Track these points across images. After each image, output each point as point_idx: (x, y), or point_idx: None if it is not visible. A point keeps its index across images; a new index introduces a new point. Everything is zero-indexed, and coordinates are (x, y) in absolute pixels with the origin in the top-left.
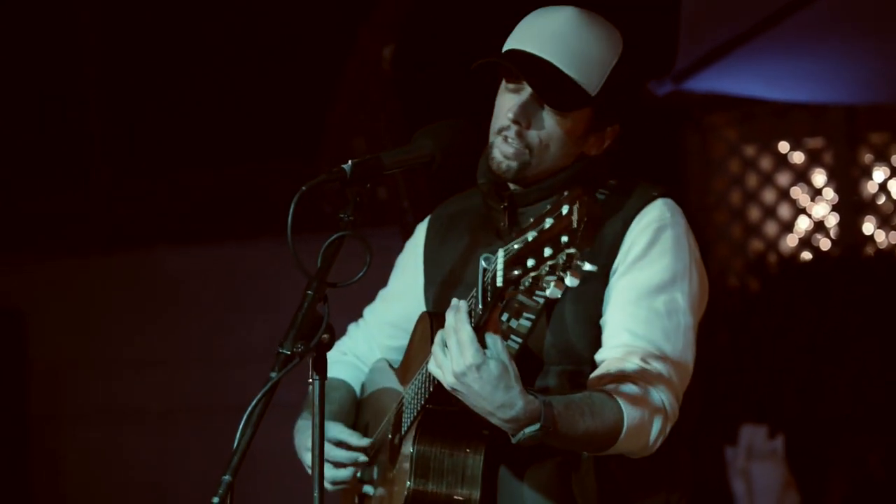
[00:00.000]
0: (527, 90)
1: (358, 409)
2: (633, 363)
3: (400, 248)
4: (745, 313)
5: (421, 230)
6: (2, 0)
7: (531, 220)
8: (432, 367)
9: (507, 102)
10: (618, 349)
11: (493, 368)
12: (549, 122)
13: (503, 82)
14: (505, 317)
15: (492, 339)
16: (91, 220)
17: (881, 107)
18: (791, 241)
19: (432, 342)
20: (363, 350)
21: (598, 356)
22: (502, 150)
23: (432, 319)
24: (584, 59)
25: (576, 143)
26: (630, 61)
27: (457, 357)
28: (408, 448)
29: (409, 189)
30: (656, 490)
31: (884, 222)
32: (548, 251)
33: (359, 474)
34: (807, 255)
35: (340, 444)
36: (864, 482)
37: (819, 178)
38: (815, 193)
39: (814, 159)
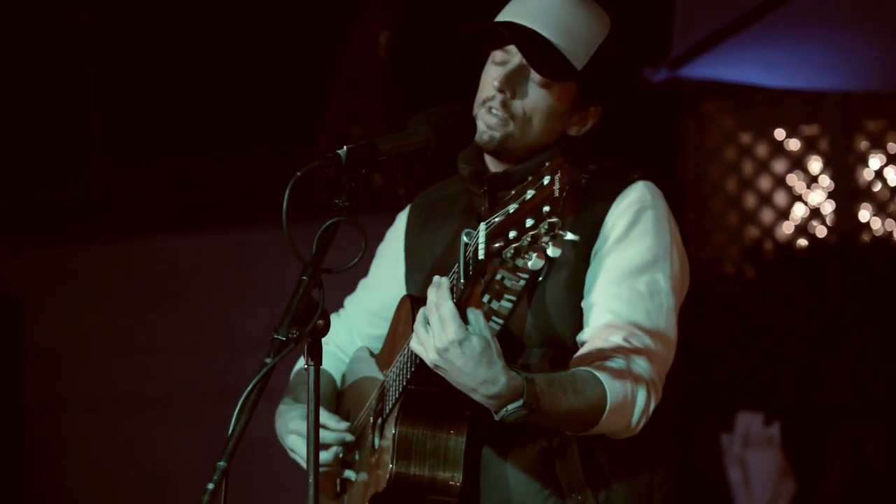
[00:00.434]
0: (514, 61)
1: (339, 399)
2: (615, 342)
3: None
4: (742, 300)
5: (401, 218)
6: None
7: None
8: (414, 344)
9: (494, 73)
10: (600, 330)
11: (476, 344)
12: (534, 93)
13: (490, 57)
14: (486, 298)
15: (474, 315)
16: (88, 208)
17: (877, 94)
18: (787, 228)
19: (414, 324)
20: (344, 339)
21: (580, 337)
22: (486, 121)
23: (413, 302)
24: (571, 33)
25: (559, 119)
26: (616, 43)
27: (439, 333)
28: (390, 430)
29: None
30: (640, 474)
31: (880, 209)
32: (529, 221)
33: (341, 454)
34: (803, 243)
35: (323, 427)
36: (860, 470)
37: (815, 165)
38: (812, 181)
39: (810, 146)
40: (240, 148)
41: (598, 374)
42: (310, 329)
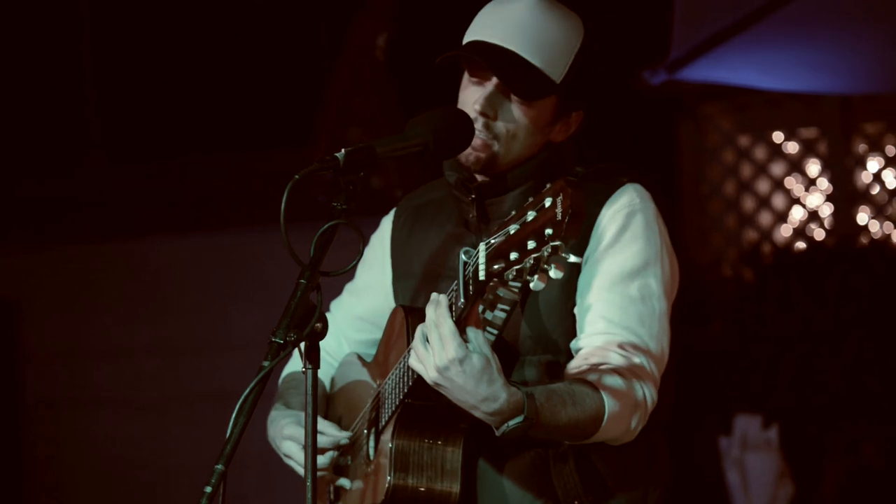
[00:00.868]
0: (491, 82)
1: (329, 404)
2: (610, 351)
3: None
4: (740, 303)
5: (387, 223)
6: None
7: (509, 211)
8: (413, 361)
9: (472, 95)
10: (594, 337)
11: (476, 362)
12: (516, 112)
13: (465, 75)
14: (480, 308)
15: (473, 333)
16: (85, 209)
17: (875, 96)
18: (785, 231)
19: (408, 337)
20: (331, 344)
21: (575, 344)
22: (471, 143)
23: (407, 314)
24: (546, 47)
25: (542, 131)
26: (593, 45)
27: (439, 351)
28: (386, 443)
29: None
30: (635, 479)
31: (878, 212)
32: (531, 244)
33: (336, 459)
34: (801, 245)
35: (320, 433)
36: (859, 472)
37: (813, 167)
38: (810, 183)
39: (808, 149)
40: (238, 149)
41: (595, 383)
42: (307, 332)
